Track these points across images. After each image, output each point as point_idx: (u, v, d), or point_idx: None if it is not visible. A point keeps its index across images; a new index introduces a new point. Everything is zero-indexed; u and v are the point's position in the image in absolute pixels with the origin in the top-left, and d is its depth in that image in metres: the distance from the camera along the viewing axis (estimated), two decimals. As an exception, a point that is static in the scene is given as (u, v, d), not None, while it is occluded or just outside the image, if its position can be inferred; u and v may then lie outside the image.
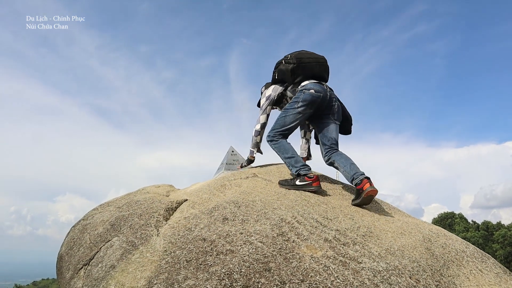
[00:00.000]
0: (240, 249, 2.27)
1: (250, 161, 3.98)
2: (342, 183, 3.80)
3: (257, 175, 3.64)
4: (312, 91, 3.39)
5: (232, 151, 4.45)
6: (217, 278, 2.02)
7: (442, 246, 2.72)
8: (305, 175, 3.26)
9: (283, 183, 3.34)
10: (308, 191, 3.22)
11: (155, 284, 2.07)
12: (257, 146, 3.88)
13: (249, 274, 2.05)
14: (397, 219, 3.06)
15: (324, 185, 3.48)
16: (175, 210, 3.11)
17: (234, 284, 1.99)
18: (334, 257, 2.26)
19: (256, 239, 2.36)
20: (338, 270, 2.15)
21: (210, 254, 2.25)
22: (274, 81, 3.82)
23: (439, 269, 2.45)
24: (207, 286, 1.98)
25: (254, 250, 2.25)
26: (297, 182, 3.29)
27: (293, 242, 2.36)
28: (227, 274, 2.05)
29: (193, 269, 2.14)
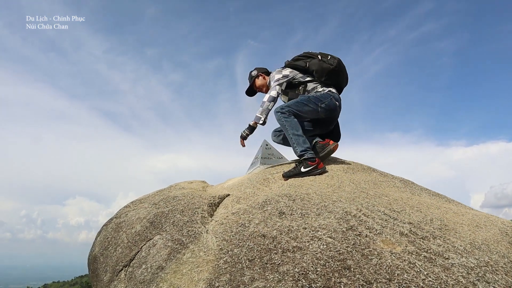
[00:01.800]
0: (308, 245, 1.99)
1: (253, 128, 3.46)
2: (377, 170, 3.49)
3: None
4: (337, 102, 3.46)
5: (266, 145, 4.16)
6: (291, 278, 1.74)
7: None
8: (308, 159, 3.12)
9: (288, 174, 3.11)
10: (314, 175, 3.11)
11: (218, 287, 1.79)
12: (266, 113, 3.42)
13: (327, 274, 1.77)
14: (464, 211, 2.76)
15: (366, 176, 3.20)
16: (217, 206, 2.84)
17: (312, 285, 1.70)
18: (416, 253, 1.97)
19: (324, 234, 2.07)
20: (426, 267, 1.86)
21: (275, 251, 1.97)
22: (294, 66, 3.56)
23: (529, 266, 2.15)
24: (282, 288, 1.70)
25: (325, 246, 1.97)
26: (302, 169, 3.11)
27: (366, 236, 2.07)
28: (302, 274, 1.77)
29: (259, 269, 1.86)
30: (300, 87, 3.53)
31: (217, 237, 2.23)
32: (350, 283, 1.71)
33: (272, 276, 1.78)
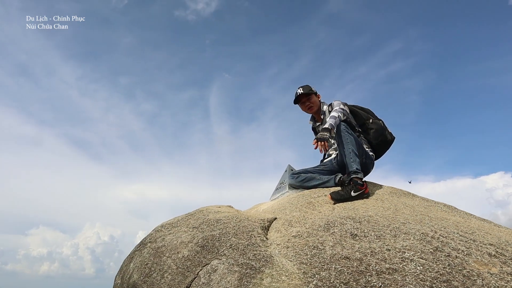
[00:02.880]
0: (403, 267, 1.83)
1: (330, 131, 3.17)
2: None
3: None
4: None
5: (292, 170, 4.03)
6: (404, 302, 1.58)
7: None
8: (358, 183, 3.01)
9: (338, 197, 2.95)
10: (362, 198, 3.00)
11: (321, 312, 1.59)
12: (335, 125, 3.24)
13: (440, 297, 1.61)
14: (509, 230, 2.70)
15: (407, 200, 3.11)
16: (268, 229, 2.65)
17: (431, 309, 1.54)
18: (515, 275, 1.86)
19: (413, 255, 1.93)
20: (534, 290, 1.74)
21: (369, 274, 1.80)
22: (354, 111, 3.58)
23: None
24: (399, 312, 1.53)
25: (422, 268, 1.82)
26: (352, 194, 2.97)
27: (456, 258, 1.94)
28: (414, 296, 1.60)
29: (360, 292, 1.68)
30: (355, 133, 3.45)
31: (291, 260, 2.04)
32: (468, 306, 1.57)
33: (380, 300, 1.61)
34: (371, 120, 3.45)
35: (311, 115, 3.90)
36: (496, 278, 1.79)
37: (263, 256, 2.12)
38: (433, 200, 3.34)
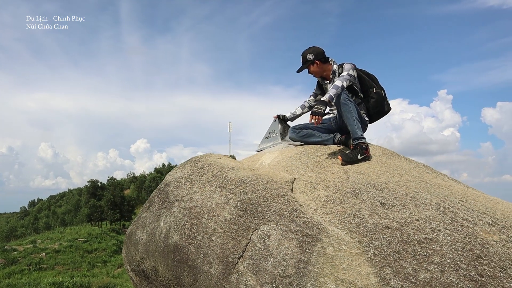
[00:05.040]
0: (436, 237, 2.25)
1: (327, 104, 3.36)
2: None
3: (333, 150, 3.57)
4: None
5: (283, 121, 4.26)
6: (451, 269, 2.01)
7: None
8: (364, 148, 3.37)
9: (347, 159, 3.32)
10: (365, 161, 3.40)
11: (389, 279, 1.97)
12: (337, 95, 3.41)
13: (471, 263, 2.07)
14: (491, 198, 3.32)
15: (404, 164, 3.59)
16: (292, 191, 2.92)
17: (470, 273, 1.99)
18: (510, 241, 2.39)
19: (439, 226, 2.36)
20: (527, 254, 2.29)
21: (412, 243, 2.19)
22: (361, 77, 3.82)
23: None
24: (450, 278, 1.95)
25: (450, 238, 2.26)
26: (359, 157, 3.36)
27: (468, 228, 2.41)
28: (454, 264, 2.04)
29: (412, 260, 2.08)
30: (357, 99, 3.74)
31: (340, 229, 2.37)
32: (490, 270, 2.05)
33: (432, 268, 2.02)
34: (374, 90, 3.74)
35: None
36: (500, 245, 2.30)
37: (314, 224, 2.41)
38: (413, 160, 3.87)
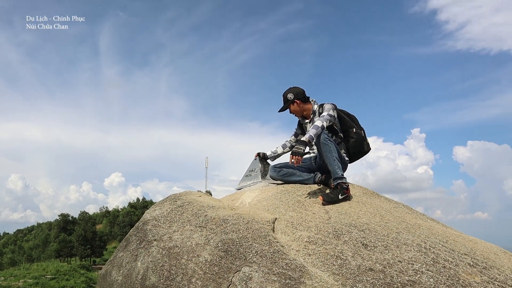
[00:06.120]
0: (419, 279, 2.24)
1: (307, 144, 3.40)
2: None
3: (313, 189, 3.57)
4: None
5: (263, 160, 4.26)
6: (435, 314, 1.98)
7: None
8: (344, 187, 3.39)
9: (328, 199, 3.33)
10: (346, 200, 3.41)
11: (374, 325, 1.92)
12: (317, 136, 3.44)
13: (457, 307, 2.06)
14: (470, 238, 3.36)
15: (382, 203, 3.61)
16: (273, 231, 2.88)
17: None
18: (492, 282, 2.39)
19: (421, 267, 2.35)
20: (508, 296, 2.30)
21: (395, 285, 2.17)
22: (341, 117, 3.90)
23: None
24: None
25: (433, 280, 2.25)
26: (340, 197, 3.38)
27: (450, 269, 2.42)
28: (440, 308, 2.02)
29: (397, 304, 2.05)
30: (337, 138, 3.81)
31: (323, 271, 2.32)
32: (476, 315, 2.03)
33: (416, 312, 1.99)
34: (354, 130, 3.81)
35: None
36: (481, 287, 2.30)
37: (296, 265, 2.36)
38: (392, 200, 3.90)
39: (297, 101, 3.94)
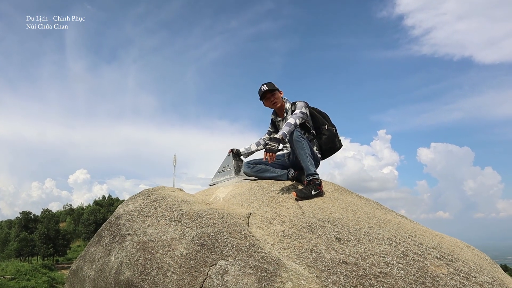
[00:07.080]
0: (390, 271, 2.32)
1: (280, 142, 3.45)
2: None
3: (288, 184, 3.62)
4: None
5: (237, 156, 4.27)
6: (406, 303, 2.06)
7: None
8: (317, 184, 3.46)
9: (301, 195, 3.39)
10: (319, 196, 3.47)
11: (348, 315, 1.98)
12: (290, 133, 3.50)
13: (425, 297, 2.14)
14: (437, 233, 3.49)
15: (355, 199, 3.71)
16: (248, 225, 2.90)
17: (425, 308, 2.06)
18: (457, 274, 2.50)
19: (392, 260, 2.43)
20: (472, 286, 2.42)
21: (369, 278, 2.24)
22: (313, 115, 3.96)
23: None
24: (406, 313, 2.00)
25: (403, 272, 2.33)
26: (313, 192, 3.45)
27: (419, 261, 2.51)
28: (410, 299, 2.10)
29: (369, 295, 2.11)
30: (309, 135, 3.87)
31: (298, 264, 2.37)
32: (444, 304, 2.13)
33: (388, 302, 2.06)
34: (326, 127, 3.88)
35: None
36: (448, 278, 2.41)
37: (272, 259, 2.39)
38: (363, 196, 4.00)
39: (281, 91, 3.99)
